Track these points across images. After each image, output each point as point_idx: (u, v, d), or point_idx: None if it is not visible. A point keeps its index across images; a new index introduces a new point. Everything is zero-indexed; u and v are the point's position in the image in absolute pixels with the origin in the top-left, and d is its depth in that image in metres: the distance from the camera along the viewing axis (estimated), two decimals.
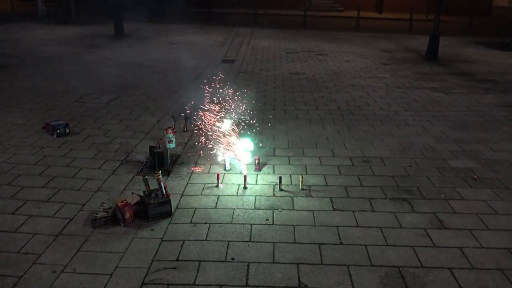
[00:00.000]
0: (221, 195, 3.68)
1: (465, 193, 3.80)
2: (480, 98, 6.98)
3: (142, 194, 3.37)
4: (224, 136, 4.33)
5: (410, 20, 16.59)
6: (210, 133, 4.58)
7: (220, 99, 5.81)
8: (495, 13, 21.70)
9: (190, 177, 4.01)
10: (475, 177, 4.11)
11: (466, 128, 5.52)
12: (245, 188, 3.79)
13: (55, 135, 4.84)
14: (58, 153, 4.43)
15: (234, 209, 3.46)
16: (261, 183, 3.90)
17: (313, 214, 3.40)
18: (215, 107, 4.95)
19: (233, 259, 2.85)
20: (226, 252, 2.91)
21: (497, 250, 2.99)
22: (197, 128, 5.03)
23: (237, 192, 3.73)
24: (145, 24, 15.03)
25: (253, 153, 4.32)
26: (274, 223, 3.27)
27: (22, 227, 3.13)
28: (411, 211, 3.48)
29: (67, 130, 4.94)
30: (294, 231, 3.16)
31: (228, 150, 4.22)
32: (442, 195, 3.74)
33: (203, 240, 3.04)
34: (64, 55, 9.72)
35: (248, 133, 4.93)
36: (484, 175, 4.16)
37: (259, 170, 4.14)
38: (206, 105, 4.96)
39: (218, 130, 4.45)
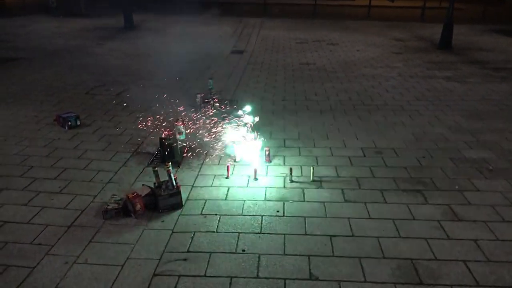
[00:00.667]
0: (231, 186, 3.66)
1: (480, 184, 3.72)
2: (495, 87, 6.82)
3: (152, 186, 3.37)
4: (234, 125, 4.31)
5: (423, 8, 16.26)
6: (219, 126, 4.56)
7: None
8: (510, 0, 21.12)
9: (200, 168, 4.00)
10: (490, 167, 4.02)
11: (480, 117, 5.40)
12: (255, 179, 3.77)
13: (66, 127, 4.87)
14: (69, 145, 4.46)
15: (244, 200, 3.44)
16: (272, 175, 3.87)
17: (324, 205, 3.37)
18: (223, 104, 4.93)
19: (243, 250, 2.84)
20: (237, 244, 2.90)
21: None
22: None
23: (248, 184, 3.71)
24: (154, 16, 15.00)
25: (264, 144, 4.29)
26: (285, 214, 3.25)
27: (34, 219, 3.17)
28: (425, 203, 3.42)
29: (78, 122, 4.97)
30: (305, 223, 3.14)
31: (238, 139, 4.19)
32: (456, 187, 3.67)
33: (213, 232, 3.03)
34: (74, 47, 9.76)
35: (257, 120, 4.90)
36: (499, 165, 4.07)
37: (270, 161, 4.11)
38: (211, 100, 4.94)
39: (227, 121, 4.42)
